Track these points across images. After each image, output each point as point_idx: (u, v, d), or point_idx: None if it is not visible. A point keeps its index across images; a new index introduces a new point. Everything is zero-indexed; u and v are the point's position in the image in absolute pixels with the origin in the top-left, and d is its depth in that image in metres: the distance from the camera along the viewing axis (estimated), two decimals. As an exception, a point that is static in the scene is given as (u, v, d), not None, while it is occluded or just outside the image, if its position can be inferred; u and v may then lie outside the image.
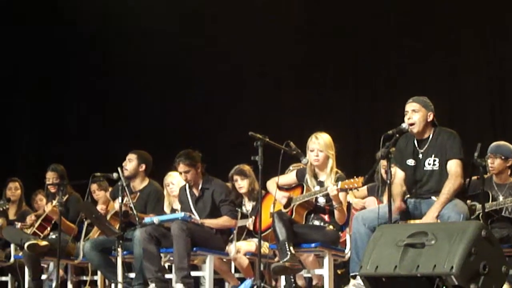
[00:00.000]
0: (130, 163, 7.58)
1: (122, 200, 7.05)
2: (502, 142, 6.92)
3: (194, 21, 10.93)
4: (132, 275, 7.33)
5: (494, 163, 6.79)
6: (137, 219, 7.08)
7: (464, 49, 9.55)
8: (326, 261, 6.38)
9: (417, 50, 9.68)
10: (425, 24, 9.65)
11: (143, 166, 7.63)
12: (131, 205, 7.08)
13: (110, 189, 8.08)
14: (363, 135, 9.96)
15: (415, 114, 5.99)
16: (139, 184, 7.66)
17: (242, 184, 7.68)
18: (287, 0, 10.46)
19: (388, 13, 9.93)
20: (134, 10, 11.17)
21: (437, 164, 5.94)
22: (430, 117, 6.01)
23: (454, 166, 5.89)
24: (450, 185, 5.82)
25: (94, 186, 8.58)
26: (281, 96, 10.50)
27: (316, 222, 6.55)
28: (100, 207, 7.65)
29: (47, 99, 11.72)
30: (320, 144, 6.47)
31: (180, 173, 7.25)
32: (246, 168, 7.70)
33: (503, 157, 6.78)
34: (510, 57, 9.18)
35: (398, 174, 6.04)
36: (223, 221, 7.10)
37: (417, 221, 5.86)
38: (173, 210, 7.76)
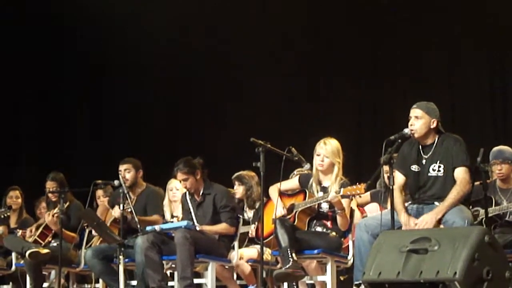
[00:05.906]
0: (129, 173, 7.61)
1: (123, 207, 7.03)
2: (503, 147, 6.88)
3: (194, 23, 10.91)
4: (134, 282, 7.32)
5: (502, 169, 6.75)
6: (138, 224, 7.05)
7: (466, 55, 9.54)
8: (328, 267, 6.36)
9: (420, 57, 9.67)
10: (428, 31, 9.63)
11: (141, 172, 7.70)
12: (131, 209, 7.07)
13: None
14: (366, 141, 9.93)
15: (417, 120, 5.95)
16: (138, 189, 7.68)
17: (237, 190, 7.70)
18: (291, 9, 10.43)
19: (390, 22, 9.91)
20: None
21: (442, 170, 5.90)
22: (434, 124, 5.95)
23: (462, 173, 5.84)
24: (458, 190, 5.77)
25: (99, 192, 8.57)
26: (285, 103, 10.49)
27: (319, 229, 6.52)
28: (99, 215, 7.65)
29: (48, 106, 11.72)
30: (327, 150, 6.46)
31: (180, 181, 7.24)
32: (248, 174, 7.68)
33: (510, 161, 6.75)
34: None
35: (398, 180, 5.98)
36: (222, 228, 7.07)
37: (417, 221, 5.79)
38: (173, 217, 7.75)
